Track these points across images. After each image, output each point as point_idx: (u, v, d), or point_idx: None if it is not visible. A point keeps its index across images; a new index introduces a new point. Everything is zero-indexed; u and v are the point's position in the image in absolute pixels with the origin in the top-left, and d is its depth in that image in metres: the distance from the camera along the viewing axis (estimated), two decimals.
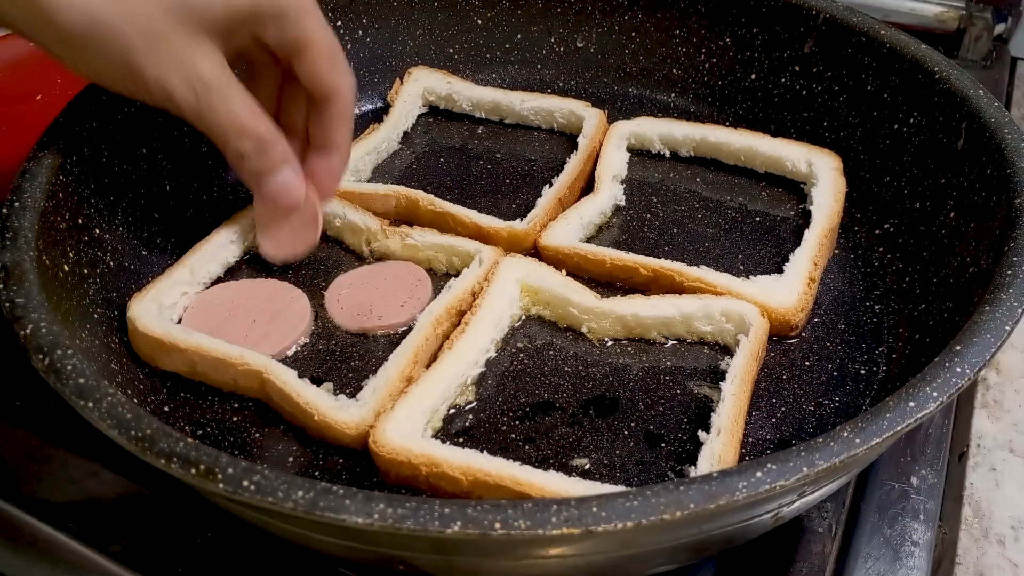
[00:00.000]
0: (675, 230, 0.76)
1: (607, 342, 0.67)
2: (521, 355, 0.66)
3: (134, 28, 0.52)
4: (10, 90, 1.00)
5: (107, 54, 0.52)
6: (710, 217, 0.77)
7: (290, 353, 0.65)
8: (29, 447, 0.65)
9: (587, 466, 0.58)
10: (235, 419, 0.62)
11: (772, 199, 0.79)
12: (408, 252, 0.72)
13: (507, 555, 0.47)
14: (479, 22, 0.93)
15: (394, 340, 0.65)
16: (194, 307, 0.67)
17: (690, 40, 0.89)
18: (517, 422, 0.61)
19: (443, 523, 0.40)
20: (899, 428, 0.45)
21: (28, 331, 0.52)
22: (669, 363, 0.65)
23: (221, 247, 0.72)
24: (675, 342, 0.66)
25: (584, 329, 0.67)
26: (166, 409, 0.62)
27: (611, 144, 0.82)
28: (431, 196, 0.75)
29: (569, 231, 0.73)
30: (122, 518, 0.60)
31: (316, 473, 0.58)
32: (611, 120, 0.85)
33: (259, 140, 0.59)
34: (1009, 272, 0.55)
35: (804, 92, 0.84)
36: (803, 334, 0.68)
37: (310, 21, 0.59)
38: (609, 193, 0.77)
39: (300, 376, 0.60)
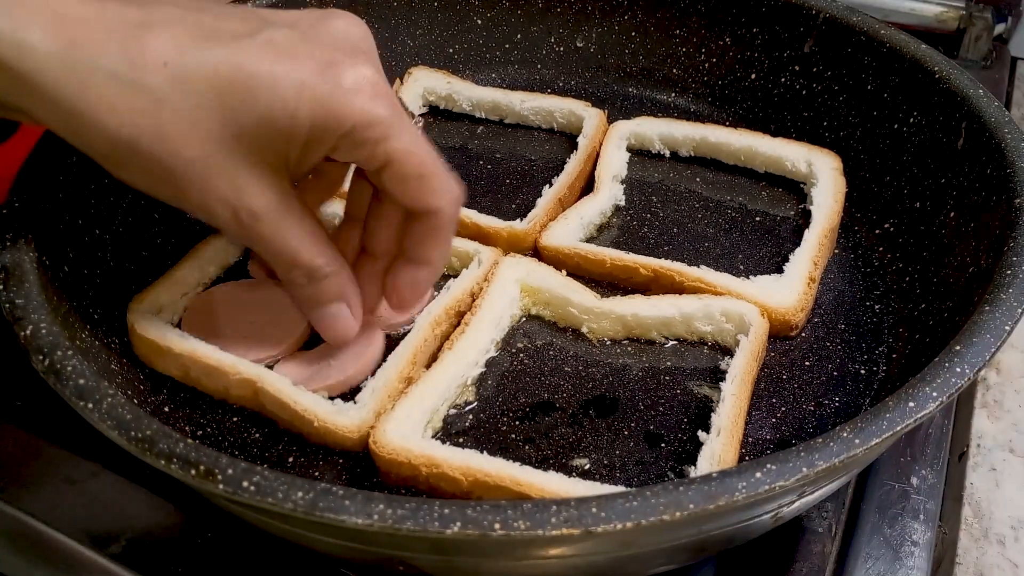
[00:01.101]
0: (675, 230, 0.76)
1: (607, 342, 0.67)
2: (521, 355, 0.66)
3: (173, 157, 0.47)
4: None
5: (147, 173, 0.49)
6: (710, 217, 0.77)
7: (289, 354, 0.65)
8: (30, 447, 0.65)
9: (587, 466, 0.58)
10: (235, 419, 0.62)
11: (772, 199, 0.79)
12: None
13: (507, 555, 0.47)
14: (479, 22, 0.93)
15: (393, 340, 0.65)
16: (194, 308, 0.67)
17: (690, 40, 0.89)
18: (517, 422, 0.61)
19: (443, 524, 0.40)
20: (899, 428, 0.45)
21: (28, 332, 0.52)
22: (669, 363, 0.65)
23: (221, 248, 0.72)
24: (675, 342, 0.67)
25: (584, 329, 0.67)
26: (166, 410, 0.62)
27: (611, 144, 0.82)
28: None
29: (569, 231, 0.73)
30: (122, 518, 0.61)
31: (316, 474, 0.58)
32: (611, 120, 0.85)
33: (311, 274, 0.54)
34: (1009, 272, 0.55)
35: (804, 92, 0.84)
36: (803, 334, 0.68)
37: (390, 135, 0.50)
38: (609, 193, 0.77)
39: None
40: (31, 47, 0.44)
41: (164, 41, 0.46)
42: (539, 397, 0.62)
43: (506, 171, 0.83)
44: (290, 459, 0.59)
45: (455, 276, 0.69)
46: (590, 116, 0.84)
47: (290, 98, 0.47)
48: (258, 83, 0.46)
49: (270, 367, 0.62)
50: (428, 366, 0.63)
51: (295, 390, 0.59)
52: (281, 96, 0.47)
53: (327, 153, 0.50)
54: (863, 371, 0.65)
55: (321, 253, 0.54)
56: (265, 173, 0.49)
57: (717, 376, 0.63)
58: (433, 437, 0.59)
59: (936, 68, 0.72)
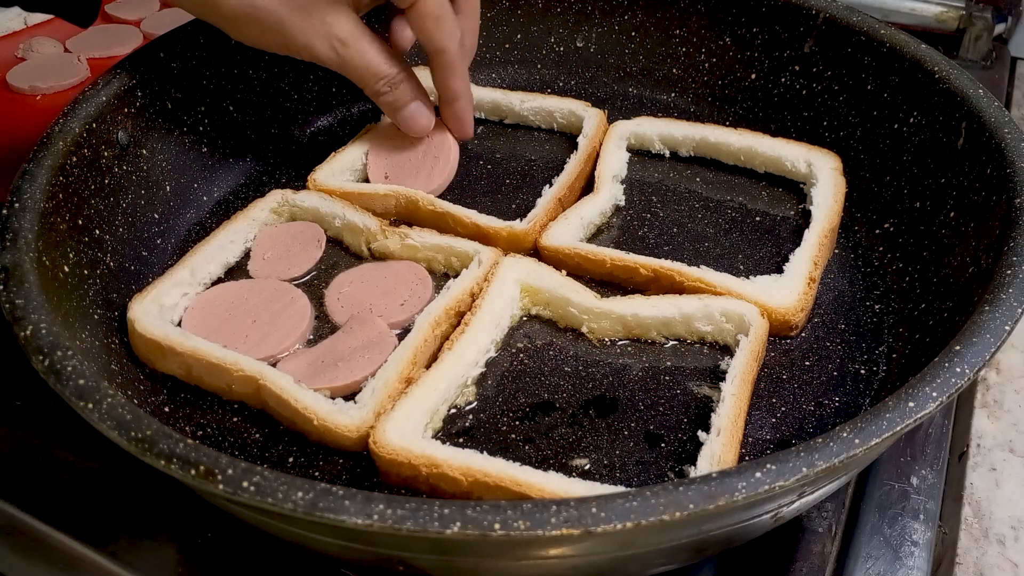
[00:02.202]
0: (675, 230, 0.76)
1: (607, 342, 0.67)
2: (521, 355, 0.66)
3: (285, 8, 0.65)
4: (10, 90, 1.01)
5: (263, 29, 0.66)
6: (710, 217, 0.77)
7: (290, 353, 0.65)
8: (29, 447, 0.65)
9: (587, 466, 0.58)
10: (235, 420, 0.62)
11: (772, 199, 0.79)
12: (407, 252, 0.72)
13: (507, 555, 0.47)
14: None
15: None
16: (194, 308, 0.67)
17: (690, 40, 0.90)
18: (517, 422, 0.61)
19: (443, 524, 0.40)
20: (899, 428, 0.45)
21: (28, 332, 0.52)
22: (669, 363, 0.65)
23: (221, 248, 0.72)
24: (675, 342, 0.67)
25: (584, 329, 0.67)
26: (166, 410, 0.62)
27: (611, 144, 0.82)
28: (431, 196, 0.75)
29: (569, 231, 0.73)
30: (122, 518, 0.61)
31: (316, 474, 0.58)
32: (611, 120, 0.85)
33: (390, 81, 0.72)
34: (1009, 272, 0.55)
35: (804, 92, 0.84)
36: (803, 334, 0.68)
37: None
38: (609, 193, 0.77)
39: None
40: None
41: None
42: (539, 397, 0.62)
43: (506, 171, 0.83)
44: (290, 459, 0.59)
45: (455, 276, 0.69)
46: (590, 116, 0.84)
47: None
48: None
49: (272, 365, 0.62)
50: (428, 366, 0.63)
51: (297, 388, 0.59)
52: None
53: None
54: (863, 371, 0.65)
55: (393, 64, 0.72)
56: (343, 11, 0.67)
57: (717, 376, 0.63)
58: (433, 437, 0.59)
59: (936, 68, 0.72)
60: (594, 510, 0.41)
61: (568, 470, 0.57)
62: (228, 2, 0.65)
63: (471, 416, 0.61)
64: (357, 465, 0.59)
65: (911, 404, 0.46)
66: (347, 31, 0.68)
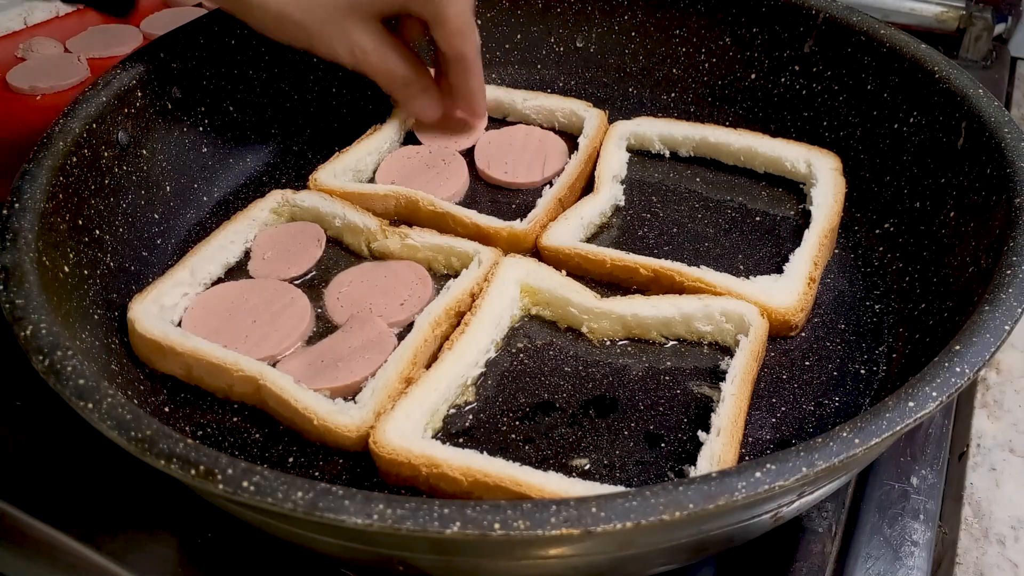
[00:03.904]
0: (675, 230, 0.76)
1: (607, 342, 0.67)
2: (521, 355, 0.66)
3: (312, 20, 0.71)
4: (10, 90, 1.01)
5: (292, 34, 0.72)
6: (710, 217, 0.77)
7: (290, 353, 0.65)
8: (29, 447, 0.65)
9: (587, 466, 0.58)
10: (235, 420, 0.62)
11: (772, 199, 0.79)
12: (407, 252, 0.72)
13: (506, 555, 0.47)
14: (479, 22, 0.93)
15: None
16: (194, 308, 0.67)
17: (690, 40, 0.90)
18: (517, 422, 0.61)
19: (442, 523, 0.40)
20: (899, 428, 0.45)
21: (28, 332, 0.52)
22: (669, 363, 0.65)
23: (221, 248, 0.72)
24: (675, 342, 0.67)
25: (584, 329, 0.67)
26: (166, 410, 0.62)
27: (611, 144, 0.82)
28: (431, 196, 0.75)
29: (569, 231, 0.73)
30: (122, 518, 0.61)
31: (316, 474, 0.58)
32: (611, 120, 0.85)
33: (405, 81, 0.78)
34: (1009, 272, 0.55)
35: (804, 92, 0.84)
36: (803, 334, 0.68)
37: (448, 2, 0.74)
38: (609, 193, 0.77)
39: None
40: None
41: None
42: (539, 397, 0.62)
43: None
44: (290, 459, 0.59)
45: (455, 276, 0.69)
46: (591, 116, 0.84)
47: None
48: None
49: (272, 365, 0.62)
50: (428, 366, 0.63)
51: (297, 388, 0.59)
52: None
53: (404, 7, 0.74)
54: (863, 371, 0.65)
55: (409, 67, 0.77)
56: (367, 23, 0.73)
57: (717, 376, 0.63)
58: (433, 437, 0.59)
59: (936, 68, 0.72)
60: (594, 510, 0.41)
61: (568, 470, 0.57)
62: (257, 15, 0.71)
63: (471, 416, 0.61)
64: (357, 465, 0.59)
65: (911, 404, 0.46)
66: (368, 40, 0.73)
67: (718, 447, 0.56)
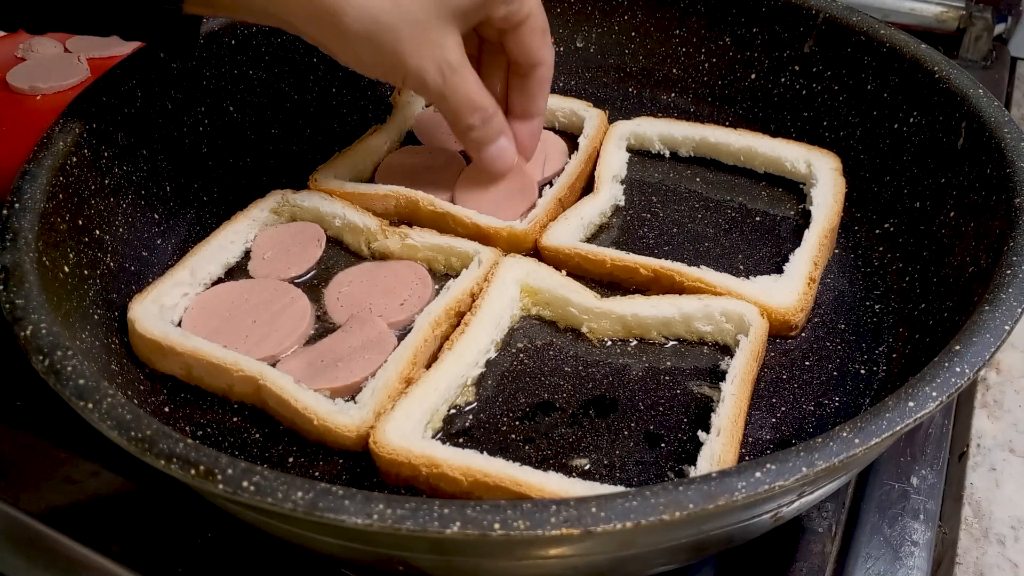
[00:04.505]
0: (675, 230, 0.76)
1: (607, 342, 0.67)
2: (521, 355, 0.66)
3: (406, 24, 0.60)
4: (10, 90, 1.01)
5: (379, 47, 0.61)
6: (710, 217, 0.77)
7: (290, 353, 0.65)
8: (29, 447, 0.65)
9: (587, 466, 0.58)
10: (235, 420, 0.62)
11: (772, 199, 0.79)
12: (407, 252, 0.72)
13: (506, 555, 0.47)
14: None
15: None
16: (194, 308, 0.67)
17: (690, 40, 0.90)
18: (517, 422, 0.61)
19: (442, 523, 0.40)
20: (899, 428, 0.45)
21: (28, 332, 0.52)
22: (669, 363, 0.65)
23: (221, 248, 0.72)
24: (675, 342, 0.67)
25: (584, 329, 0.67)
26: (166, 410, 0.62)
27: (611, 144, 0.82)
28: (431, 196, 0.75)
29: (569, 231, 0.73)
30: (122, 518, 0.61)
31: (316, 474, 0.58)
32: (611, 120, 0.85)
33: (484, 114, 0.67)
34: (1009, 271, 0.55)
35: (804, 92, 0.84)
36: (803, 334, 0.68)
37: (531, 1, 0.66)
38: (609, 193, 0.77)
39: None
40: None
41: None
42: (539, 397, 0.62)
43: None
44: (290, 459, 0.59)
45: (455, 276, 0.69)
46: (591, 116, 0.84)
47: None
48: None
49: (272, 365, 0.62)
50: (428, 366, 0.63)
51: (297, 388, 0.59)
52: None
53: (489, 10, 0.64)
54: (863, 371, 0.65)
55: (489, 97, 0.67)
56: (454, 31, 0.63)
57: (717, 376, 0.63)
58: (433, 437, 0.59)
59: (936, 68, 0.72)
60: (594, 510, 0.41)
61: (568, 470, 0.57)
62: (351, 17, 0.59)
63: (471, 416, 0.61)
64: (357, 465, 0.59)
65: (911, 404, 0.46)
66: (456, 56, 0.64)
67: (718, 447, 0.56)
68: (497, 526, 0.40)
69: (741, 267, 0.72)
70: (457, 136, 0.70)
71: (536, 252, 0.73)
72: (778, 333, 0.67)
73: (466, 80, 0.65)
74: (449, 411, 0.61)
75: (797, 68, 0.84)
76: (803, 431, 0.61)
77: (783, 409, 0.62)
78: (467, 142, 0.70)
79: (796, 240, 0.72)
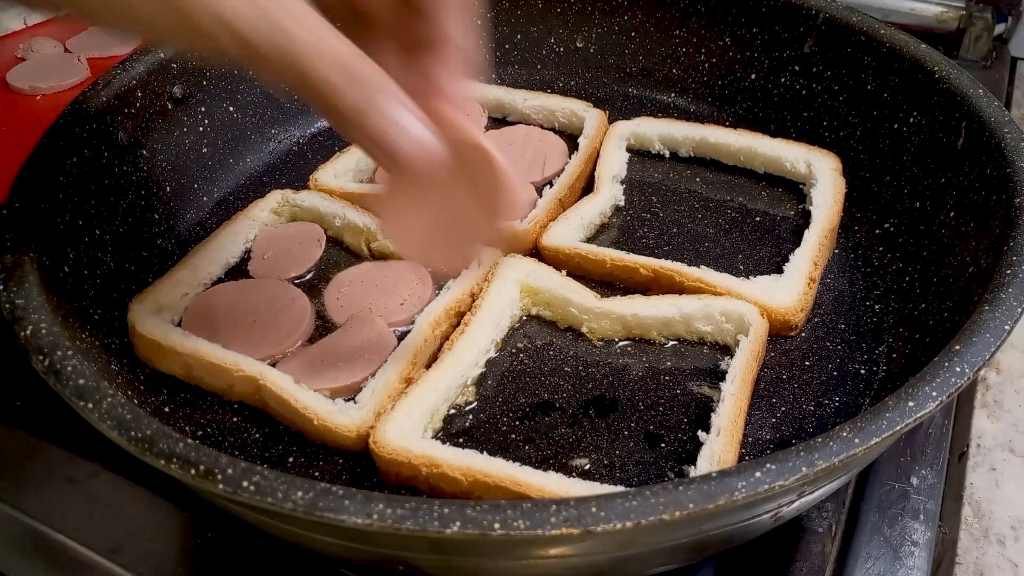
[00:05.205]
0: (675, 230, 0.76)
1: (607, 342, 0.66)
2: (521, 355, 0.66)
3: None
4: (10, 90, 1.01)
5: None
6: (710, 217, 0.77)
7: (290, 352, 0.65)
8: (30, 447, 0.65)
9: (587, 466, 0.58)
10: (235, 420, 0.62)
11: (772, 199, 0.79)
12: None
13: (506, 555, 0.47)
14: (478, 22, 0.93)
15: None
16: (194, 308, 0.67)
17: (690, 40, 0.89)
18: (517, 422, 0.61)
19: (442, 523, 0.40)
20: (898, 428, 0.45)
21: (28, 332, 0.52)
22: (669, 363, 0.65)
23: (221, 248, 0.72)
24: (675, 342, 0.66)
25: (584, 329, 0.67)
26: (166, 410, 0.62)
27: (611, 144, 0.82)
28: None
29: (569, 231, 0.73)
30: (122, 518, 0.60)
31: (316, 474, 0.58)
32: (611, 120, 0.85)
33: (353, 68, 0.43)
34: (1009, 271, 0.55)
35: (804, 92, 0.84)
36: (803, 334, 0.68)
37: None
38: (609, 193, 0.77)
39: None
40: None
41: None
42: (539, 397, 0.62)
43: None
44: (290, 459, 0.59)
45: (455, 276, 0.69)
46: (591, 117, 0.84)
47: None
48: None
49: (272, 365, 0.62)
50: (428, 366, 0.63)
51: (296, 388, 0.59)
52: None
53: None
54: (863, 371, 0.65)
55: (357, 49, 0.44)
56: None
57: (717, 376, 0.63)
58: (433, 437, 0.59)
59: (936, 68, 0.72)
60: (594, 510, 0.41)
61: (568, 470, 0.57)
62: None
63: (471, 416, 0.61)
64: (357, 465, 0.59)
65: (911, 404, 0.46)
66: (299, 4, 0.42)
67: (718, 447, 0.56)
68: (497, 526, 0.40)
69: (741, 267, 0.72)
70: (324, 117, 0.46)
71: (536, 252, 0.73)
72: (778, 333, 0.67)
73: (303, 21, 0.42)
74: (449, 411, 0.61)
75: (797, 68, 0.84)
76: (803, 431, 0.61)
77: (783, 409, 0.62)
78: (339, 122, 0.44)
79: (796, 240, 0.72)
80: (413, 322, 0.65)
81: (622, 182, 0.80)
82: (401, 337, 0.64)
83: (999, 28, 1.11)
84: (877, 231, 0.75)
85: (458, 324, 0.65)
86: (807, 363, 0.65)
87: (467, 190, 0.51)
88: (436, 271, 0.56)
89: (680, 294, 0.67)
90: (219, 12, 0.40)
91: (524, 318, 0.69)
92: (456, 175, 0.49)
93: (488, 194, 0.51)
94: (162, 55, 0.76)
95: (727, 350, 0.65)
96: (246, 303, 0.67)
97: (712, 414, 0.59)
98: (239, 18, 0.40)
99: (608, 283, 0.71)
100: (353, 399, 0.60)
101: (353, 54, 0.43)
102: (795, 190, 0.79)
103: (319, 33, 0.42)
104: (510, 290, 0.67)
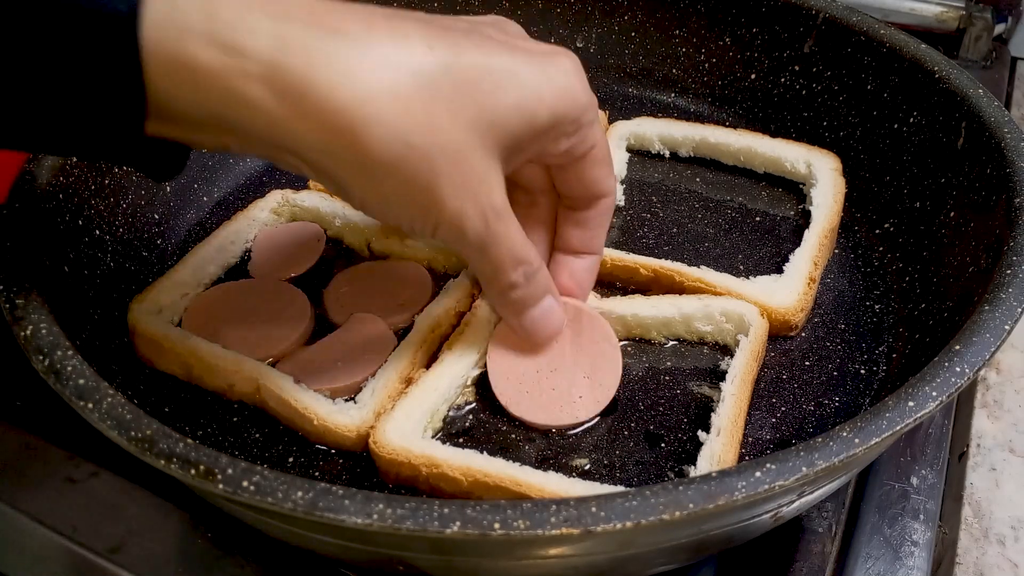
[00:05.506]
0: (675, 230, 0.76)
1: None
2: None
3: (445, 153, 0.45)
4: None
5: (409, 181, 0.46)
6: (710, 217, 0.77)
7: (290, 353, 0.65)
8: (30, 447, 0.65)
9: (587, 466, 0.58)
10: (235, 420, 0.62)
11: (772, 199, 0.79)
12: (408, 252, 0.72)
13: (506, 555, 0.47)
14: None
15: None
16: (194, 308, 0.67)
17: (690, 40, 0.89)
18: (517, 422, 0.61)
19: (442, 523, 0.40)
20: (899, 428, 0.45)
21: (28, 332, 0.52)
22: (669, 363, 0.65)
23: (221, 248, 0.72)
24: (675, 342, 0.67)
25: None
26: (166, 410, 0.62)
27: (611, 144, 0.82)
28: None
29: None
30: (122, 518, 0.60)
31: (316, 474, 0.58)
32: (611, 120, 0.85)
33: (529, 269, 0.54)
34: (1009, 271, 0.55)
35: (804, 92, 0.84)
36: (803, 334, 0.68)
37: (597, 124, 0.54)
38: None
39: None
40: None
41: (416, 27, 0.45)
42: None
43: None
44: (290, 459, 0.59)
45: (455, 276, 0.69)
46: None
47: (534, 86, 0.48)
48: (501, 74, 0.47)
49: (272, 365, 0.62)
50: (428, 366, 0.63)
51: (296, 388, 0.59)
52: (526, 85, 0.48)
53: (547, 142, 0.51)
54: (863, 371, 0.65)
55: (532, 247, 0.54)
56: (499, 167, 0.49)
57: (717, 376, 0.63)
58: (433, 437, 0.59)
59: (936, 68, 0.72)
60: (594, 510, 0.41)
61: (568, 470, 0.57)
62: (376, 140, 0.43)
63: (471, 416, 0.61)
64: (357, 465, 0.59)
65: (911, 404, 0.46)
66: (501, 199, 0.49)
67: (718, 447, 0.56)
68: (497, 526, 0.40)
69: (741, 267, 0.72)
70: (492, 299, 0.59)
71: None
72: (778, 333, 0.67)
73: (510, 228, 0.51)
74: (449, 411, 0.61)
75: (797, 68, 0.84)
76: (803, 431, 0.61)
77: (783, 409, 0.62)
78: (506, 304, 0.56)
79: (796, 240, 0.72)
80: (413, 322, 0.65)
81: (622, 182, 0.80)
82: (401, 337, 0.64)
83: (999, 28, 1.11)
84: (877, 231, 0.75)
85: (458, 324, 0.65)
86: (807, 363, 0.65)
87: (572, 349, 0.61)
88: (533, 422, 0.60)
89: (680, 294, 0.67)
90: (462, 220, 0.48)
91: None
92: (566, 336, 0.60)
93: (590, 355, 0.61)
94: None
95: (727, 350, 0.65)
96: (246, 303, 0.67)
97: (712, 414, 0.59)
98: (466, 219, 0.48)
99: (608, 283, 0.71)
100: (353, 399, 0.60)
101: (526, 248, 0.53)
102: (795, 190, 0.79)
103: (514, 232, 0.51)
104: None
